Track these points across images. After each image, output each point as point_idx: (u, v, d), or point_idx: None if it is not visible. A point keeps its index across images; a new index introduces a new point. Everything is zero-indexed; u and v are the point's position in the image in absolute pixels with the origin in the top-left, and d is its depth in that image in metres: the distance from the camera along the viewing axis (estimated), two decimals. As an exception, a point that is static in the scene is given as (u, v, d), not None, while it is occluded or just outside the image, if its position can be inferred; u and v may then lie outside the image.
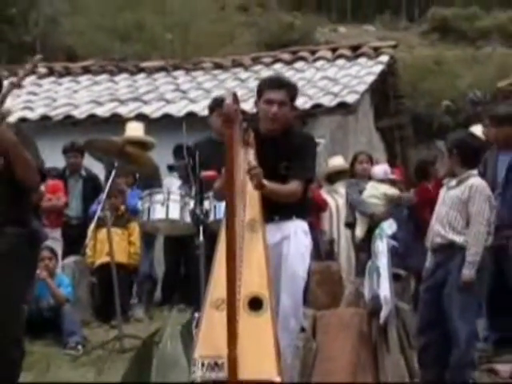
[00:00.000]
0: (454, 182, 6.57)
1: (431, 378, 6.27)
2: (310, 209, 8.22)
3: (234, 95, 5.32)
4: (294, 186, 5.69)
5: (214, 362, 4.86)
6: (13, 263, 5.07)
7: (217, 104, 8.30)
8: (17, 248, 5.11)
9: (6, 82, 5.40)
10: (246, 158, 5.60)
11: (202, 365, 4.85)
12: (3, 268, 5.02)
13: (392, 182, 9.72)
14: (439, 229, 6.53)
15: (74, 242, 9.56)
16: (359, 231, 9.18)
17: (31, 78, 15.57)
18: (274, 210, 5.63)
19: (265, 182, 5.48)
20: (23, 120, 12.65)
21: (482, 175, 6.79)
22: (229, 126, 5.12)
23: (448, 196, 6.57)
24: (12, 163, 4.98)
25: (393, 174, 9.97)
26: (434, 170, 9.09)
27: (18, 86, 5.48)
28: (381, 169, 9.94)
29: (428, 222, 6.83)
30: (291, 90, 5.92)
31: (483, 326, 6.93)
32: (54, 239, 9.41)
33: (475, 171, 6.60)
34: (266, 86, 5.89)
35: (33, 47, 24.79)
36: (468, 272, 6.27)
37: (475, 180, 6.51)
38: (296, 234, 5.81)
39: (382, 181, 9.54)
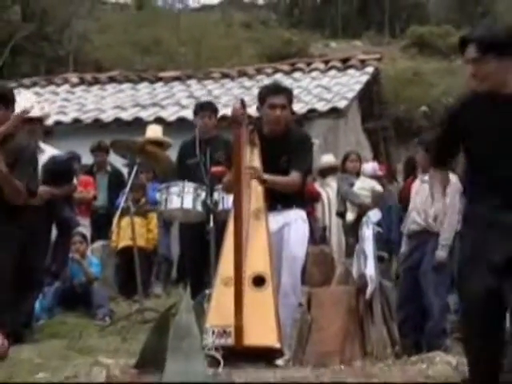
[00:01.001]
0: (427, 177, 6.60)
1: (410, 344, 6.30)
2: (312, 201, 8.29)
3: (242, 101, 5.36)
4: (294, 176, 5.72)
5: (223, 330, 4.90)
6: None
7: (199, 108, 8.38)
8: None
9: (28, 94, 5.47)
10: (251, 155, 5.63)
11: (213, 333, 4.89)
12: None
13: (378, 178, 9.75)
14: (415, 217, 6.56)
15: (101, 229, 9.61)
16: (349, 219, 9.20)
17: (65, 87, 15.62)
18: (277, 200, 5.67)
19: (265, 176, 5.52)
20: (58, 123, 12.66)
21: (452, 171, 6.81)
22: (237, 128, 5.16)
23: (423, 188, 6.59)
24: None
25: (379, 170, 9.99)
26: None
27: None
28: (370, 166, 9.97)
29: None
30: (289, 94, 5.96)
31: (454, 300, 6.94)
32: (84, 226, 9.43)
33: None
34: (267, 92, 5.91)
35: (67, 60, 24.81)
36: (442, 253, 6.33)
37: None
38: (296, 222, 5.83)
39: (371, 176, 9.55)
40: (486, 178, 4.11)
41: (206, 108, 8.30)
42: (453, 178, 6.53)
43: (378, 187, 9.43)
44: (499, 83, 4.08)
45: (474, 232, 4.10)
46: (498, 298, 3.87)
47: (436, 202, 4.49)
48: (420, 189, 6.62)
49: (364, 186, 9.28)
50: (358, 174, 9.72)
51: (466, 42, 4.14)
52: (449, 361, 4.71)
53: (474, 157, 4.21)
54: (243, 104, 5.36)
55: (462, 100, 4.43)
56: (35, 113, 7.42)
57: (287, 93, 5.95)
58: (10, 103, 5.39)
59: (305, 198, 6.49)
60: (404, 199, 8.98)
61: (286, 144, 5.79)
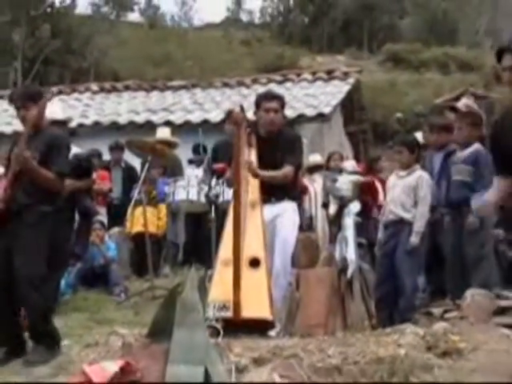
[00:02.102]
0: (404, 173, 6.60)
1: (384, 318, 6.31)
2: (300, 194, 8.28)
3: (241, 107, 5.36)
4: (286, 169, 5.74)
5: (223, 305, 4.90)
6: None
7: (228, 115, 8.37)
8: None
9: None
10: (249, 154, 5.62)
11: (214, 306, 4.88)
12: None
13: (358, 174, 9.73)
14: (392, 208, 6.55)
15: (117, 217, 9.60)
16: (332, 210, 9.17)
17: (87, 94, 15.59)
18: (271, 193, 5.68)
19: (258, 171, 5.52)
20: (80, 125, 12.65)
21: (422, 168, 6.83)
22: (237, 129, 5.16)
23: (399, 183, 6.60)
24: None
25: (358, 167, 9.99)
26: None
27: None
28: (350, 164, 9.96)
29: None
30: (281, 100, 5.97)
31: (422, 281, 6.96)
32: (101, 214, 9.42)
33: (419, 165, 6.68)
34: (262, 98, 5.93)
35: (88, 71, 24.82)
36: (415, 240, 6.34)
37: (421, 172, 6.60)
38: (287, 212, 5.84)
39: (350, 173, 9.54)
40: None
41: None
42: (425, 175, 6.56)
43: (356, 177, 9.39)
44: None
45: None
46: None
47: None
48: (397, 183, 6.62)
49: (345, 181, 9.25)
50: (340, 170, 9.72)
51: (502, 51, 4.04)
52: (417, 332, 4.72)
53: None
54: (242, 109, 5.37)
55: (498, 121, 4.32)
56: (60, 116, 7.42)
57: (279, 99, 5.98)
58: (38, 100, 5.33)
59: (297, 191, 6.50)
60: None
61: (279, 143, 5.80)
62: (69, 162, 5.54)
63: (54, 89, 15.78)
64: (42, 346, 5.06)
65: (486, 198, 4.41)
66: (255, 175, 5.54)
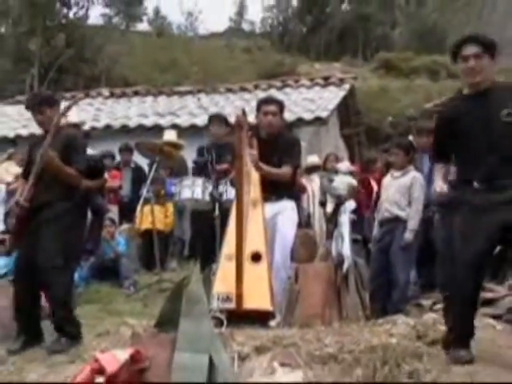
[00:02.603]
0: (399, 173, 6.62)
1: (377, 309, 6.31)
2: (299, 193, 8.26)
3: (243, 111, 5.37)
4: (285, 169, 5.74)
5: (226, 296, 4.91)
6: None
7: (210, 119, 8.39)
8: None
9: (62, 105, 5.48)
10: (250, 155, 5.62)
11: (218, 298, 4.89)
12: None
13: (352, 174, 9.71)
14: (387, 206, 6.57)
15: (126, 214, 9.60)
16: (329, 208, 9.16)
17: (99, 99, 15.58)
18: (271, 192, 5.68)
19: (260, 164, 5.52)
20: (93, 128, 12.61)
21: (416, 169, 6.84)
22: (239, 132, 5.16)
23: (394, 183, 6.61)
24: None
25: (353, 168, 9.98)
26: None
27: (64, 114, 5.48)
28: (345, 165, 9.96)
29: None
30: (280, 104, 5.98)
31: (414, 275, 6.96)
32: (113, 212, 9.42)
33: (413, 166, 6.70)
34: (262, 102, 5.95)
35: (100, 78, 24.82)
36: (409, 236, 6.36)
37: (415, 173, 6.64)
38: (286, 210, 5.83)
39: (345, 173, 9.53)
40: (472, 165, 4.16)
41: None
42: (419, 176, 6.58)
43: (354, 182, 9.39)
44: (487, 78, 4.16)
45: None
46: None
47: (436, 183, 4.49)
48: (391, 183, 6.63)
49: (342, 181, 9.25)
50: (336, 171, 9.71)
51: (466, 41, 4.16)
52: (408, 322, 4.74)
53: (463, 148, 4.24)
54: (244, 113, 5.39)
55: (447, 102, 4.57)
56: (74, 119, 7.43)
57: (278, 103, 5.99)
58: (52, 104, 5.39)
59: (295, 191, 6.50)
60: None
61: (278, 145, 5.80)
62: (85, 160, 5.55)
63: (68, 94, 15.75)
64: (64, 337, 5.07)
65: (436, 189, 4.48)
66: (258, 168, 5.55)
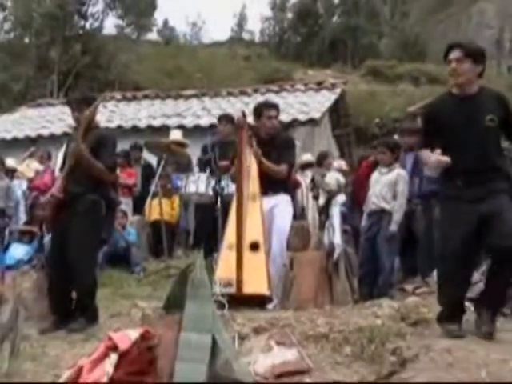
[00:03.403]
0: (385, 170, 6.62)
1: (365, 293, 6.32)
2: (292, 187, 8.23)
3: (243, 113, 5.36)
4: (282, 167, 5.73)
5: (228, 282, 4.90)
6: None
7: (219, 118, 8.38)
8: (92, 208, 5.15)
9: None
10: (250, 154, 5.60)
11: (220, 283, 4.88)
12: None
13: (342, 172, 9.69)
14: (375, 200, 6.56)
15: (136, 207, 9.57)
16: (321, 201, 9.15)
17: (112, 102, 15.52)
18: (269, 187, 5.66)
19: (262, 158, 5.52)
20: (106, 128, 12.54)
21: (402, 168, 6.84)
22: (240, 132, 5.15)
23: (381, 179, 6.61)
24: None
25: (344, 167, 9.97)
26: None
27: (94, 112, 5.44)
28: (338, 163, 9.94)
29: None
30: (278, 108, 5.98)
31: (397, 261, 6.97)
32: (127, 204, 9.38)
33: (398, 164, 6.70)
34: (263, 107, 5.93)
35: (113, 83, 24.82)
36: (394, 227, 6.36)
37: (400, 170, 6.63)
38: (283, 203, 5.83)
39: (337, 170, 9.51)
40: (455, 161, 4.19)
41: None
42: (403, 172, 6.58)
43: (341, 179, 9.36)
44: (469, 81, 4.23)
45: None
46: None
47: (429, 158, 4.48)
48: (379, 179, 6.63)
49: (333, 177, 9.24)
50: (328, 168, 9.67)
51: (452, 47, 4.28)
52: (393, 305, 4.73)
53: (446, 143, 4.27)
54: (244, 115, 5.37)
55: (434, 101, 4.56)
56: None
57: (276, 107, 5.99)
58: (91, 104, 5.35)
59: (290, 186, 6.50)
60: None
61: (275, 145, 5.79)
62: (113, 158, 5.49)
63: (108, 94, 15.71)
64: (83, 318, 5.05)
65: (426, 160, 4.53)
66: (259, 161, 5.54)
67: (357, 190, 8.37)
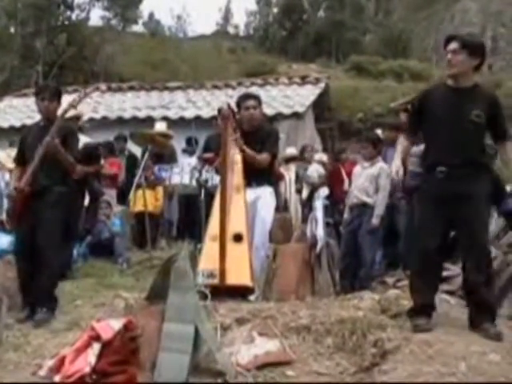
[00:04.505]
0: (367, 164, 6.62)
1: (347, 285, 6.33)
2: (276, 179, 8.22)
3: (228, 105, 5.33)
4: (264, 155, 5.68)
5: (211, 273, 4.88)
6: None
7: (219, 110, 8.32)
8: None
9: (69, 98, 5.41)
10: (234, 145, 5.56)
11: (203, 274, 4.86)
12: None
13: (323, 164, 9.69)
14: (357, 194, 6.56)
15: (121, 198, 9.50)
16: (304, 194, 9.15)
17: (97, 93, 15.38)
18: (252, 179, 5.63)
19: (244, 147, 5.49)
20: (91, 119, 12.43)
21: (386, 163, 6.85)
22: (224, 124, 5.12)
23: (363, 172, 6.61)
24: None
25: (325, 159, 9.95)
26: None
27: (75, 106, 5.43)
28: (319, 156, 9.94)
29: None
30: (257, 98, 5.94)
31: (379, 255, 6.98)
32: (111, 196, 9.30)
33: (380, 158, 6.70)
34: (242, 99, 5.89)
35: (98, 74, 24.67)
36: (376, 221, 6.36)
37: (382, 164, 6.61)
38: (266, 195, 5.79)
39: (318, 162, 9.51)
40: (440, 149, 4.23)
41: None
42: (385, 166, 6.57)
43: (322, 170, 9.36)
44: (463, 73, 4.23)
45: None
46: None
47: (395, 161, 4.62)
48: (361, 173, 6.64)
49: (315, 170, 9.24)
50: (310, 161, 9.68)
51: (451, 39, 4.30)
52: (373, 297, 4.74)
53: (431, 131, 4.31)
54: (229, 107, 5.35)
55: (428, 88, 4.58)
56: (73, 112, 7.33)
57: (255, 97, 5.95)
58: (60, 97, 5.37)
59: (274, 178, 6.47)
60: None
61: (259, 136, 5.76)
62: (78, 150, 5.51)
63: (69, 88, 15.59)
64: (46, 308, 5.00)
65: (393, 168, 4.66)
66: (242, 150, 5.50)
67: (332, 184, 8.40)
